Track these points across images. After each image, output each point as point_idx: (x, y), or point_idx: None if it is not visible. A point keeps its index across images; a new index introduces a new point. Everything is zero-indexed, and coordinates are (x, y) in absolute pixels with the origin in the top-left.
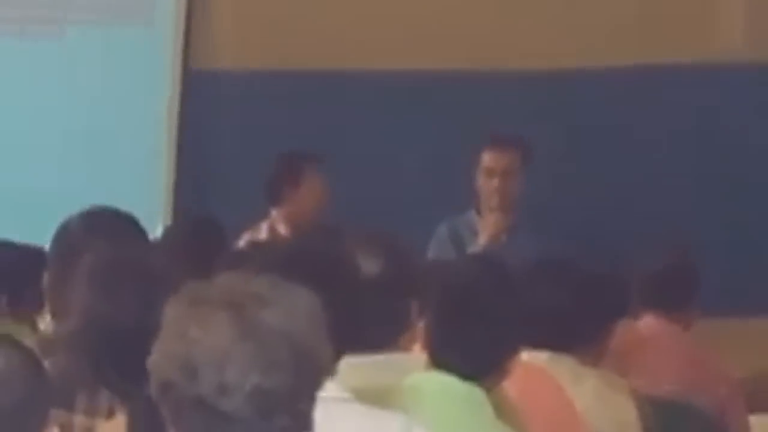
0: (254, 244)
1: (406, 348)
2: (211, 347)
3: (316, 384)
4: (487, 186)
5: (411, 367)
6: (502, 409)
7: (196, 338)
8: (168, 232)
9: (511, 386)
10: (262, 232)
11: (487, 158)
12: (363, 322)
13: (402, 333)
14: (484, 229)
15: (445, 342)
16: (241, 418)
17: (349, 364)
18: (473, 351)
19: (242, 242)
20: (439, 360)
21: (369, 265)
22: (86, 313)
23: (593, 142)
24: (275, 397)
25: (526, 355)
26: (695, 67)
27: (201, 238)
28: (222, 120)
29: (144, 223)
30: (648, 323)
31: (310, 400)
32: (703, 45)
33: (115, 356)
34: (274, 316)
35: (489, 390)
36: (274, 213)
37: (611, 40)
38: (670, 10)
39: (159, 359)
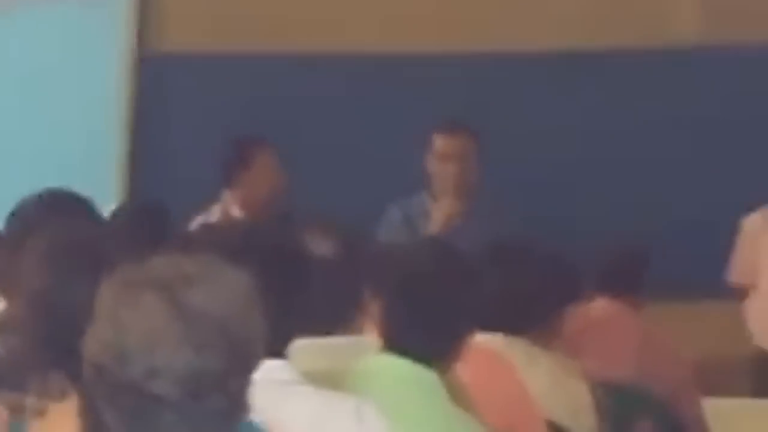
0: (206, 227)
1: (360, 331)
2: (140, 329)
3: (248, 365)
4: (441, 171)
5: (364, 350)
6: (455, 392)
7: (126, 320)
8: (115, 214)
9: (465, 369)
10: (215, 215)
11: (440, 143)
12: (314, 306)
13: (354, 316)
14: (439, 214)
15: (397, 325)
16: (172, 401)
17: (302, 347)
18: (426, 334)
19: (194, 225)
20: (392, 343)
21: (320, 249)
22: (37, 293)
23: (544, 127)
24: (206, 379)
25: (480, 338)
26: (648, 51)
27: (147, 220)
28: (175, 102)
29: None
30: (601, 306)
31: (243, 381)
32: (659, 29)
33: (66, 337)
34: (203, 296)
35: (442, 373)
36: (227, 196)
37: (562, 25)
38: None
39: (90, 342)
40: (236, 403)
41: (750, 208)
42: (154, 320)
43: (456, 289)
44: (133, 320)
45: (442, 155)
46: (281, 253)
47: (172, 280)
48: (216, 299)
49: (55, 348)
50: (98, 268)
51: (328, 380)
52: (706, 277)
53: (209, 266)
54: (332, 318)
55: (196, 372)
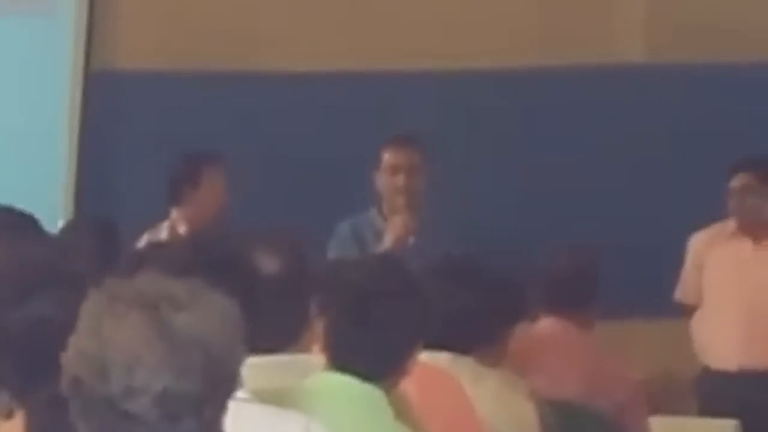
0: (153, 245)
1: (307, 349)
2: (122, 347)
3: (227, 391)
4: (391, 184)
5: (310, 368)
6: (400, 409)
7: (109, 336)
8: (63, 231)
9: (411, 386)
10: (163, 233)
11: (389, 156)
12: (261, 323)
13: (300, 334)
14: (390, 231)
15: (343, 343)
16: (146, 421)
17: (249, 365)
18: (372, 352)
19: (142, 242)
20: (338, 361)
21: (266, 265)
22: None
23: (493, 143)
24: (183, 402)
25: (426, 356)
26: (595, 69)
27: (95, 237)
28: (123, 120)
29: (46, 221)
30: (548, 325)
31: (220, 407)
32: (602, 48)
33: (14, 355)
34: (188, 319)
35: (388, 390)
36: (175, 213)
37: (512, 42)
38: (570, 13)
39: (71, 354)
40: (209, 428)
41: (697, 227)
42: (138, 339)
43: (402, 307)
44: (116, 336)
45: (392, 167)
46: (227, 269)
47: (160, 300)
48: (201, 324)
49: (3, 365)
50: (48, 283)
51: (276, 398)
52: (653, 295)
53: (197, 290)
54: (279, 335)
55: (175, 394)
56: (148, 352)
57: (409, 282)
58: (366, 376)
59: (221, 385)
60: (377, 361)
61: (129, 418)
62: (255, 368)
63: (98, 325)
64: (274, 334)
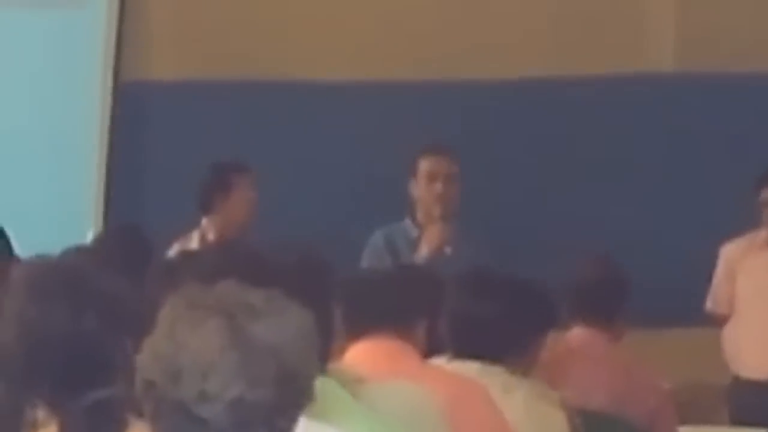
0: (184, 253)
1: (333, 359)
2: (197, 352)
3: (298, 403)
4: (429, 192)
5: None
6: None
7: (184, 342)
8: (96, 241)
9: (441, 396)
10: (193, 241)
11: (427, 164)
12: None
13: (330, 343)
14: (427, 241)
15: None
16: (218, 427)
17: None
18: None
19: (173, 251)
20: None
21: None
22: (20, 321)
23: (523, 155)
24: (255, 411)
25: (456, 366)
26: (625, 78)
27: (128, 247)
28: (153, 129)
29: (75, 230)
30: (578, 335)
31: (291, 418)
32: (633, 57)
33: (48, 366)
34: (264, 329)
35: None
36: (205, 222)
37: (541, 52)
38: (601, 22)
39: (146, 357)
40: None
41: (728, 237)
42: (213, 345)
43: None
44: (191, 341)
45: (429, 175)
46: (256, 275)
47: (237, 309)
48: (276, 334)
49: (37, 377)
50: (80, 295)
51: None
52: (684, 304)
53: (275, 300)
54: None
55: (248, 403)
56: (223, 359)
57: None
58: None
59: (293, 396)
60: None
61: (200, 423)
62: None
63: (174, 329)
64: None
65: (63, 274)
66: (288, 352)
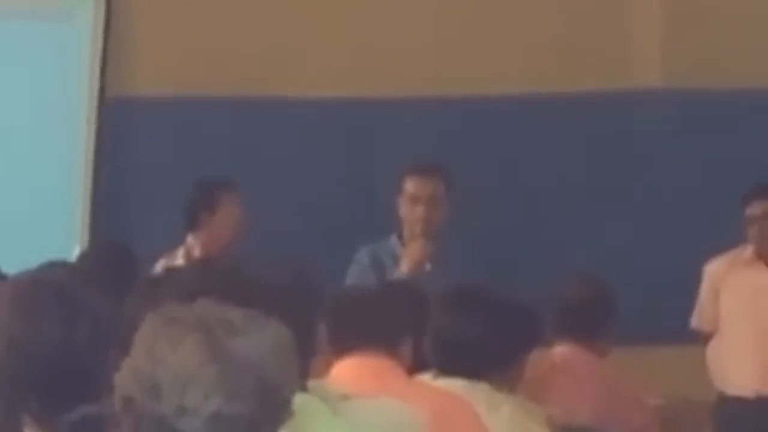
0: (167, 270)
1: (317, 374)
2: (176, 367)
3: (277, 418)
4: (411, 213)
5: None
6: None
7: (163, 357)
8: (80, 258)
9: (427, 412)
10: (179, 258)
11: (411, 185)
12: None
13: (311, 359)
14: (408, 257)
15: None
16: None
17: None
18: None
19: (158, 268)
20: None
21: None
22: (6, 337)
23: (510, 170)
24: (234, 425)
25: (442, 382)
26: (611, 95)
27: (112, 263)
28: (139, 146)
29: (61, 247)
30: (563, 351)
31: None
32: (619, 74)
33: (36, 381)
34: (243, 344)
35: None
36: (191, 239)
37: (528, 68)
38: (587, 39)
39: (125, 374)
40: None
41: (713, 254)
42: (191, 360)
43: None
44: (170, 357)
45: (412, 197)
46: (238, 293)
47: (216, 325)
48: (255, 349)
49: (27, 394)
50: (69, 311)
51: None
52: (669, 322)
53: (254, 318)
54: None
55: (227, 417)
56: (201, 373)
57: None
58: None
59: (272, 411)
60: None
61: None
62: None
63: (153, 346)
64: None
65: (50, 289)
66: (267, 366)
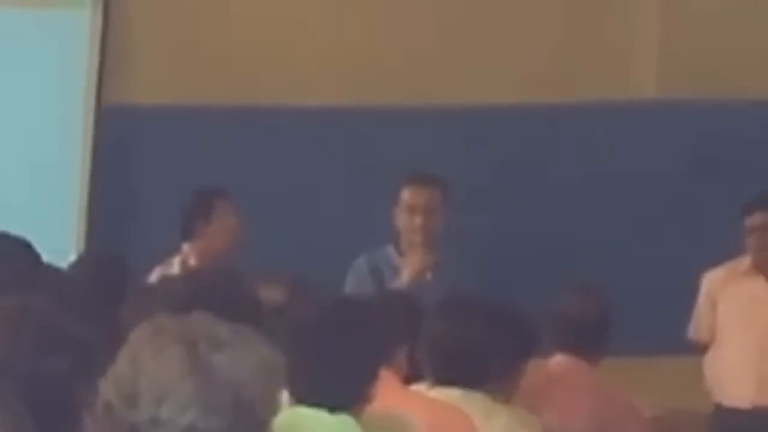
0: (163, 279)
1: None
2: (155, 378)
3: None
4: (409, 223)
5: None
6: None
7: (144, 367)
8: (72, 267)
9: (423, 422)
10: (174, 267)
11: (408, 195)
12: None
13: None
14: (407, 267)
15: (304, 378)
16: None
17: None
18: (329, 385)
19: (153, 277)
20: (302, 395)
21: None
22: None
23: (508, 180)
24: None
25: (438, 392)
26: (609, 106)
27: (105, 272)
28: (136, 154)
29: (57, 255)
30: (559, 362)
31: None
32: (616, 84)
33: (29, 404)
34: (226, 360)
35: (356, 416)
36: (186, 248)
37: (526, 79)
38: (584, 49)
39: (108, 380)
40: None
41: (710, 265)
42: (171, 372)
43: (354, 338)
44: (150, 367)
45: (410, 207)
46: (232, 305)
47: (201, 338)
48: (238, 366)
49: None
50: (47, 337)
51: None
52: (666, 333)
53: (242, 335)
54: None
55: (200, 431)
56: (179, 385)
57: (360, 314)
58: (332, 407)
59: (248, 429)
60: (337, 393)
61: None
62: None
63: (137, 354)
64: None
65: (31, 317)
66: (247, 385)
